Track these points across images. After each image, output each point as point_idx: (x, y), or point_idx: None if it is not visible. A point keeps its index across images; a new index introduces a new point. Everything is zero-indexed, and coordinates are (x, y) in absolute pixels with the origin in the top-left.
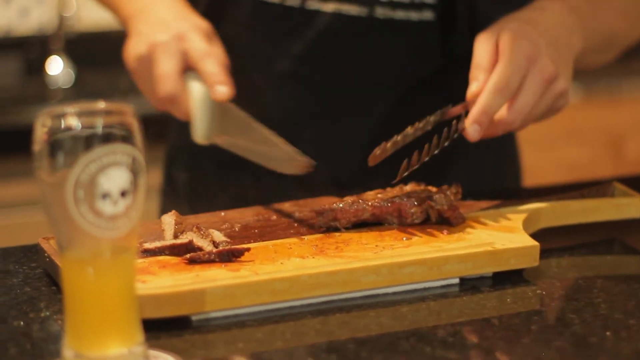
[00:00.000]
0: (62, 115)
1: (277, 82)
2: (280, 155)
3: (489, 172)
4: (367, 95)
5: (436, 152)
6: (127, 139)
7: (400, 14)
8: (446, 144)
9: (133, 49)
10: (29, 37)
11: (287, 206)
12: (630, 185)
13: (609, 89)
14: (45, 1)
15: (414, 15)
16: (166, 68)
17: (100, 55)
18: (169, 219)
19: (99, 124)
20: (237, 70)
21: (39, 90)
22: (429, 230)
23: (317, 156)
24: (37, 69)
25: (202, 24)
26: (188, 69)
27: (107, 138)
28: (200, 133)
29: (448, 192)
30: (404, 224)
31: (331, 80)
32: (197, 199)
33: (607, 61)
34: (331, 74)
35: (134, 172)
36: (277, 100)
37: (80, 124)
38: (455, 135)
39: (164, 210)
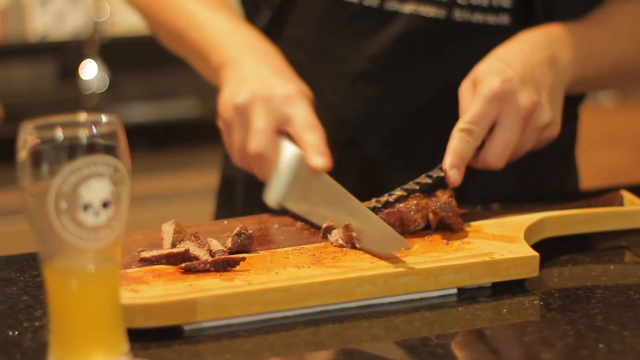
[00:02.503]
0: (46, 126)
1: (350, 83)
2: (373, 231)
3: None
4: (442, 99)
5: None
6: (109, 149)
7: (477, 17)
8: (419, 189)
9: (232, 96)
10: (64, 42)
11: (288, 218)
12: None
13: None
14: (80, 6)
15: (491, 19)
16: (265, 124)
17: (134, 60)
18: (168, 228)
19: (82, 134)
20: (305, 68)
21: (73, 94)
22: (429, 239)
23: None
24: (71, 73)
25: (306, 89)
26: (282, 132)
27: (89, 149)
28: (275, 196)
29: (445, 197)
30: (407, 232)
31: (405, 82)
32: (252, 202)
33: (624, 85)
34: (406, 76)
35: (116, 183)
36: (349, 101)
37: (62, 135)
38: (433, 182)
39: (218, 213)
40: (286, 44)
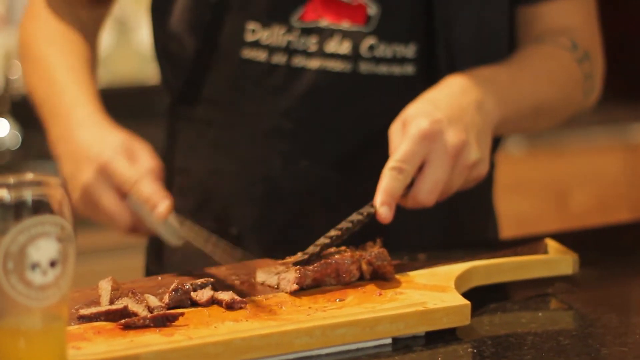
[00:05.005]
0: None
1: (263, 138)
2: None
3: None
4: (353, 149)
5: (344, 237)
6: (55, 209)
7: (383, 69)
8: (357, 228)
9: (71, 193)
10: None
11: (223, 270)
12: (572, 238)
13: (552, 141)
14: None
15: (396, 70)
16: (109, 204)
17: None
18: (106, 285)
19: (28, 195)
20: (222, 127)
21: None
22: (362, 290)
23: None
24: None
25: (121, 140)
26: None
27: (36, 209)
28: (172, 240)
29: (376, 248)
30: (342, 283)
31: (317, 136)
32: (177, 253)
33: (546, 127)
34: (317, 130)
35: (63, 241)
36: (263, 156)
37: (9, 195)
38: (365, 219)
39: (148, 266)
40: (203, 105)
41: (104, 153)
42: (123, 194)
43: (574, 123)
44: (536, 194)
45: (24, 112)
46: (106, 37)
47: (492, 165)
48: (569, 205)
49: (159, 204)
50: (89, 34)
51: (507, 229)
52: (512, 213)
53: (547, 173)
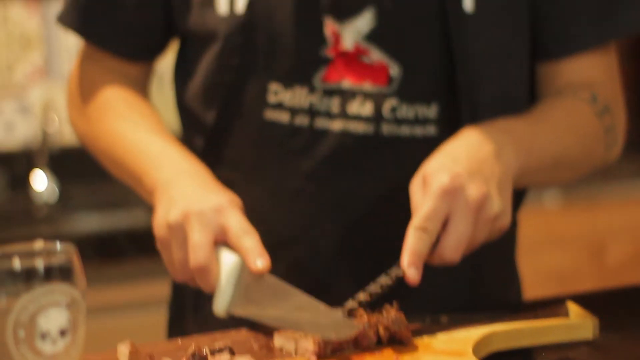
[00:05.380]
0: (2, 256)
1: (286, 201)
2: (324, 321)
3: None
4: (375, 210)
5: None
6: (65, 277)
7: (405, 130)
8: (386, 292)
9: (165, 216)
10: (14, 153)
11: (243, 332)
12: (611, 295)
13: (588, 194)
14: (30, 117)
15: (418, 131)
16: (201, 238)
17: (83, 170)
18: (124, 349)
19: (39, 263)
20: (244, 188)
21: (24, 205)
22: (379, 355)
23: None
24: (22, 183)
25: (236, 198)
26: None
27: (46, 277)
28: (222, 306)
29: (393, 312)
30: (360, 348)
31: (340, 197)
32: (203, 312)
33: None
34: (340, 191)
35: (73, 310)
36: (286, 218)
37: (20, 264)
38: (394, 282)
39: (171, 323)
40: (223, 166)
41: (221, 199)
42: (217, 240)
43: (610, 176)
44: (572, 248)
45: (62, 165)
46: None
47: (514, 223)
48: (605, 260)
49: (260, 257)
50: (141, 89)
51: (541, 283)
52: (547, 267)
53: (582, 227)
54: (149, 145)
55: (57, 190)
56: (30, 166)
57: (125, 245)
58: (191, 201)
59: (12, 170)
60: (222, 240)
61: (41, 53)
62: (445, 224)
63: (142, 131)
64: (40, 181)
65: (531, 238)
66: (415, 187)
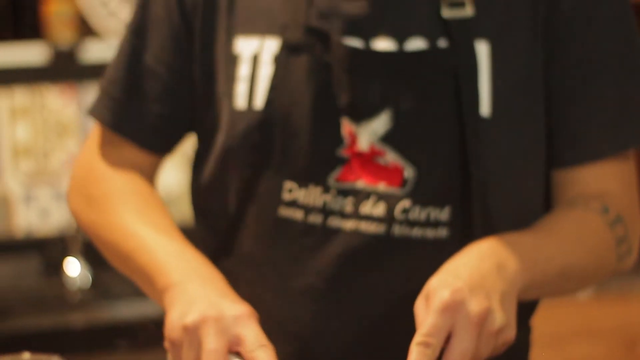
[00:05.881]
0: None
1: (296, 298)
2: None
3: None
4: (385, 312)
5: None
6: None
7: (416, 232)
8: None
9: (181, 318)
10: (49, 239)
11: None
12: None
13: (620, 285)
14: (64, 203)
15: (429, 234)
16: (216, 345)
17: None
18: None
19: None
20: (253, 283)
21: (57, 291)
22: None
23: None
24: (55, 270)
25: (253, 310)
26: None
27: None
28: None
29: None
30: None
31: (350, 297)
32: None
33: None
34: (350, 291)
35: None
36: (294, 315)
37: None
38: None
39: None
40: (234, 260)
41: (240, 309)
42: (231, 349)
43: None
44: (604, 340)
45: (95, 252)
46: (177, 175)
47: (528, 330)
48: (638, 353)
49: None
50: (151, 180)
51: None
52: (579, 359)
53: (615, 318)
54: (162, 244)
55: (90, 277)
56: (64, 253)
57: (158, 334)
58: (209, 306)
59: (46, 257)
60: (235, 350)
61: (77, 141)
62: (448, 339)
63: (155, 228)
64: (74, 268)
65: (563, 329)
66: (419, 305)
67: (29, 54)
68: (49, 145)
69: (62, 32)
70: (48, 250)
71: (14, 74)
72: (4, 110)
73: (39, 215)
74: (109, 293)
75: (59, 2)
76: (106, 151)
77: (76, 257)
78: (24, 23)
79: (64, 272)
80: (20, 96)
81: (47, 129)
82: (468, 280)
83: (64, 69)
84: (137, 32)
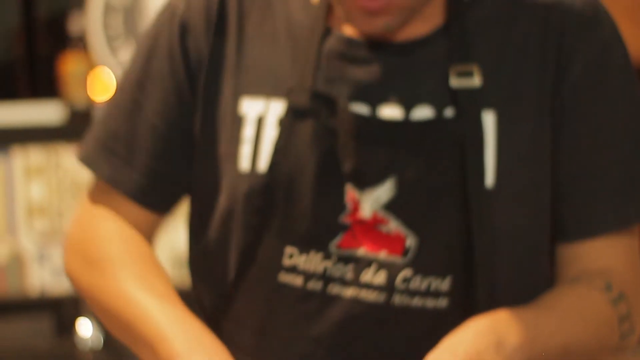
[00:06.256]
0: None
1: None
2: None
3: None
4: None
5: None
6: None
7: (416, 302)
8: None
9: None
10: (62, 298)
11: None
12: None
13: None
14: None
15: (429, 303)
16: None
17: None
18: None
19: None
20: (249, 349)
21: (69, 351)
22: None
23: None
24: (68, 330)
25: None
26: None
27: None
28: None
29: None
30: None
31: None
32: None
33: None
34: (348, 358)
35: None
36: None
37: None
38: None
39: None
40: (233, 324)
41: None
42: None
43: None
44: None
45: None
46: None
47: None
48: None
49: None
50: (149, 240)
51: None
52: None
53: None
54: (164, 312)
55: (102, 337)
56: (76, 313)
57: None
58: None
59: (58, 316)
60: None
61: None
62: None
63: (156, 295)
64: (86, 328)
65: None
66: None
67: (45, 112)
68: (63, 205)
69: (77, 91)
70: (61, 310)
71: (30, 132)
72: (19, 168)
73: (53, 274)
74: (120, 354)
75: (75, 61)
76: (104, 209)
77: (89, 318)
78: (40, 82)
79: (76, 332)
80: (35, 155)
81: (61, 188)
82: (465, 358)
83: (80, 128)
84: (139, 85)
